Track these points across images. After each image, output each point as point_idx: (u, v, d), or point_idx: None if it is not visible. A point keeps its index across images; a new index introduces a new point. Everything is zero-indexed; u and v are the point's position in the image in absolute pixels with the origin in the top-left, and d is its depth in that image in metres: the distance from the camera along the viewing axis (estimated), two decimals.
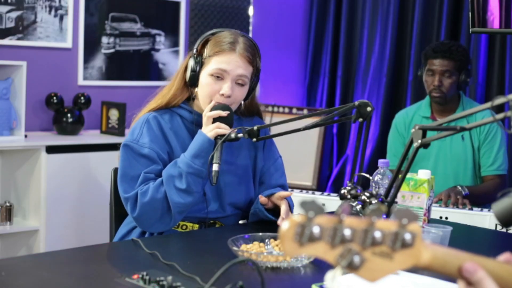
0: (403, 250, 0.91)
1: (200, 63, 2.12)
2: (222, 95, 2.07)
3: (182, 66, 2.18)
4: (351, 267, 0.90)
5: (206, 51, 2.12)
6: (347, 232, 0.90)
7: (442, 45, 3.29)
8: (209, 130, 2.04)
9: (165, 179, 2.02)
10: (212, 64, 2.09)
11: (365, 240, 0.90)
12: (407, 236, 0.90)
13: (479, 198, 3.19)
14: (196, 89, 2.14)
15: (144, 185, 2.04)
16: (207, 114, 2.05)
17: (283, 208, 2.07)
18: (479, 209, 2.98)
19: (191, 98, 2.19)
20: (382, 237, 0.90)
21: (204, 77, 2.10)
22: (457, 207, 2.97)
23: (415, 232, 0.91)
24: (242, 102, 2.20)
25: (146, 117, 2.14)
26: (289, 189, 2.54)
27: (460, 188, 3.09)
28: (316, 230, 0.90)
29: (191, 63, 2.13)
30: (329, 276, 0.91)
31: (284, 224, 0.90)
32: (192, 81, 2.13)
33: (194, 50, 2.14)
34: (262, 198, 2.12)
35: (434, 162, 3.31)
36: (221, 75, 2.08)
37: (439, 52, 3.24)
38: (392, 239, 0.91)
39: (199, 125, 2.15)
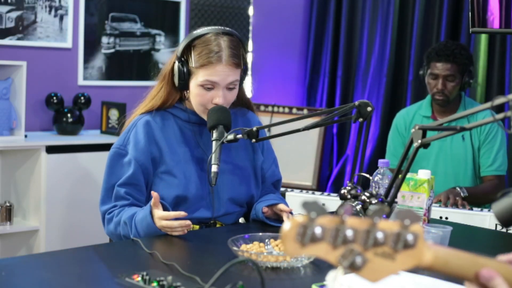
0: (405, 250, 0.90)
1: (188, 72, 2.10)
2: (216, 104, 2.08)
3: (167, 68, 2.16)
4: (353, 268, 0.90)
5: (192, 60, 2.09)
6: (349, 233, 0.90)
7: (446, 48, 3.26)
8: (159, 223, 1.95)
9: (122, 234, 2.04)
10: (201, 76, 2.07)
11: (367, 240, 0.90)
12: (409, 237, 0.90)
13: (478, 199, 3.19)
14: (188, 91, 2.14)
15: (113, 208, 2.07)
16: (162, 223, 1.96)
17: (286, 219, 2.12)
18: (479, 209, 2.98)
19: (183, 98, 2.19)
20: (384, 237, 0.90)
21: (194, 87, 2.10)
22: (457, 207, 2.97)
23: (417, 233, 0.91)
24: None
25: (136, 121, 2.15)
26: (289, 189, 2.55)
27: (459, 189, 3.09)
28: (318, 230, 0.90)
29: (178, 68, 2.11)
30: (330, 276, 0.91)
31: (286, 225, 0.90)
32: (182, 87, 2.13)
33: (179, 54, 2.12)
34: (264, 209, 2.15)
35: (434, 162, 3.31)
36: (211, 85, 2.08)
37: (443, 56, 3.22)
38: (394, 240, 0.90)
39: (194, 123, 2.16)
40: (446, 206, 3.01)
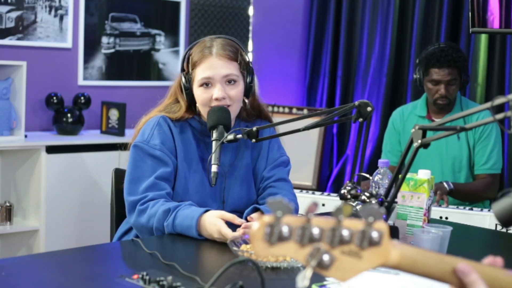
0: (371, 248, 0.91)
1: (190, 79, 2.12)
2: (216, 99, 2.08)
3: (177, 85, 2.18)
4: (321, 267, 0.91)
5: (190, 65, 2.13)
6: (315, 231, 0.91)
7: (443, 52, 3.23)
8: (207, 233, 1.94)
9: (155, 227, 2.01)
10: (197, 76, 2.10)
11: (333, 239, 0.91)
12: (374, 234, 0.90)
13: (467, 196, 3.20)
14: (197, 105, 2.15)
15: (145, 201, 2.02)
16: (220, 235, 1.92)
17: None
18: (479, 209, 2.98)
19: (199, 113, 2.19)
20: (350, 235, 0.91)
21: (196, 90, 2.12)
22: (439, 206, 2.98)
23: (382, 230, 0.91)
24: (246, 101, 2.19)
25: (157, 119, 2.14)
26: None
27: (445, 184, 3.11)
28: (285, 229, 0.90)
29: (183, 81, 2.13)
30: (300, 276, 0.92)
31: (254, 225, 0.91)
32: (191, 99, 2.13)
33: (181, 69, 2.16)
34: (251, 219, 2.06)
35: (430, 162, 3.32)
36: (208, 82, 2.09)
37: (444, 62, 3.22)
38: (359, 238, 0.91)
39: (206, 135, 2.15)
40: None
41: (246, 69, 2.15)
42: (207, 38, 2.14)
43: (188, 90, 2.13)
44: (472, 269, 0.96)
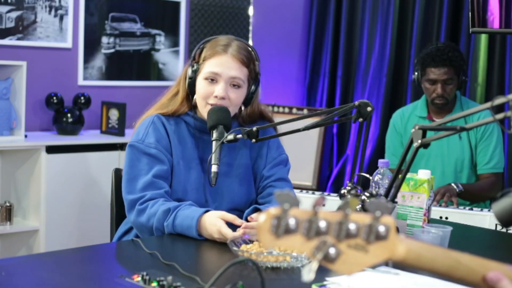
0: (377, 242, 0.91)
1: (197, 69, 2.12)
2: (216, 97, 2.08)
3: (182, 75, 2.19)
4: (327, 260, 0.91)
5: (201, 57, 2.13)
6: (322, 224, 0.91)
7: (439, 51, 3.24)
8: (207, 233, 1.94)
9: (155, 226, 2.01)
10: (206, 68, 2.10)
11: (340, 232, 0.91)
12: (381, 229, 0.90)
13: (474, 196, 3.22)
14: (196, 97, 2.15)
15: (145, 200, 2.02)
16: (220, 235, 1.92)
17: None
18: (479, 209, 2.98)
19: (195, 106, 2.18)
20: (357, 229, 0.91)
21: (199, 82, 2.11)
22: (447, 207, 2.99)
23: (388, 225, 0.91)
24: (243, 108, 2.19)
25: (152, 118, 2.14)
26: None
27: (454, 185, 3.12)
28: (291, 222, 0.90)
29: (189, 70, 2.14)
30: (306, 269, 0.92)
31: (261, 217, 0.91)
32: (191, 89, 2.14)
33: (192, 58, 2.16)
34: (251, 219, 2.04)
35: (432, 162, 3.32)
36: (214, 78, 2.09)
37: (440, 61, 3.22)
38: (366, 232, 0.91)
39: (202, 131, 2.15)
40: (439, 205, 3.02)
41: (254, 79, 2.16)
42: (225, 37, 2.15)
43: (191, 79, 2.12)
44: (502, 275, 0.97)
